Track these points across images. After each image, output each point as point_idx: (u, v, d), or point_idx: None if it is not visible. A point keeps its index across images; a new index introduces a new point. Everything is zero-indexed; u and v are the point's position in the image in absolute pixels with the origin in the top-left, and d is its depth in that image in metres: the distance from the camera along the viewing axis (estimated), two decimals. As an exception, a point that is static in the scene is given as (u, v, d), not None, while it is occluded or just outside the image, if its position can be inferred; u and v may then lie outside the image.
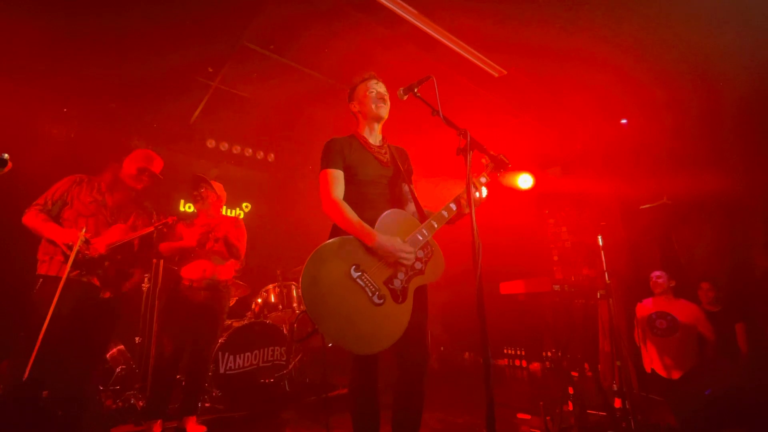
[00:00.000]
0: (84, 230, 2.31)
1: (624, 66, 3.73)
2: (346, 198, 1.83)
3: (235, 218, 3.19)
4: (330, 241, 1.68)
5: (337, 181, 1.83)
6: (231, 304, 4.07)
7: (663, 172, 4.68)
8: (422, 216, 1.88)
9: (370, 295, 1.64)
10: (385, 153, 1.97)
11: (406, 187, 1.98)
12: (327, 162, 1.86)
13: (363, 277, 1.65)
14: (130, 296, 3.74)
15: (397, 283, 1.70)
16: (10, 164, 1.50)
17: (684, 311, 3.67)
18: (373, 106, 1.94)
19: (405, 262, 1.69)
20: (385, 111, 1.97)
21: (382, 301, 1.65)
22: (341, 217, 1.74)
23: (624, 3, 3.03)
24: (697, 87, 3.96)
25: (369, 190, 1.86)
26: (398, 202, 1.91)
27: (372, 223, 1.72)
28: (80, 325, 2.28)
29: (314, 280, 1.59)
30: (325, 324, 1.55)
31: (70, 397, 2.24)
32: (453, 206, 1.83)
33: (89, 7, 3.06)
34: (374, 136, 2.00)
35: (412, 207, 1.96)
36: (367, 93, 1.97)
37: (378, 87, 1.98)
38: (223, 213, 5.47)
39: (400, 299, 1.68)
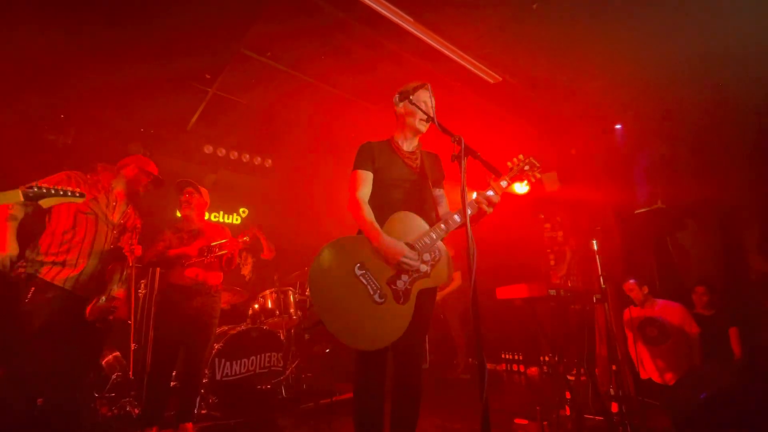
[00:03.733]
0: (10, 252, 2.11)
1: (618, 72, 3.78)
2: (372, 200, 1.88)
3: (234, 240, 3.04)
4: (344, 237, 1.75)
5: (363, 182, 1.89)
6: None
7: (657, 176, 4.73)
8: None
9: (371, 293, 1.68)
10: (416, 159, 2.02)
11: (438, 191, 2.04)
12: (357, 163, 1.94)
13: (366, 275, 1.70)
14: (130, 302, 3.74)
15: (400, 284, 1.72)
16: None
17: (669, 313, 3.70)
18: (419, 122, 1.94)
19: (406, 267, 1.71)
20: (425, 128, 1.97)
21: (383, 300, 1.68)
22: (357, 215, 1.81)
23: (619, 11, 3.07)
24: (690, 92, 4.01)
25: (394, 193, 1.90)
26: (424, 207, 1.93)
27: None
28: (72, 335, 2.23)
29: (321, 272, 1.67)
30: (327, 316, 1.62)
31: (63, 405, 2.22)
32: (468, 211, 1.78)
33: (87, 14, 3.07)
34: (409, 143, 2.04)
35: (443, 209, 2.00)
36: (420, 105, 1.92)
37: (431, 101, 1.95)
38: (220, 219, 5.51)
39: (402, 300, 1.70)
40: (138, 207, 2.71)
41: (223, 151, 5.04)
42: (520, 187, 5.31)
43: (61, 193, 1.88)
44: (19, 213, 2.17)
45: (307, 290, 4.22)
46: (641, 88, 4.00)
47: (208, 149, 4.93)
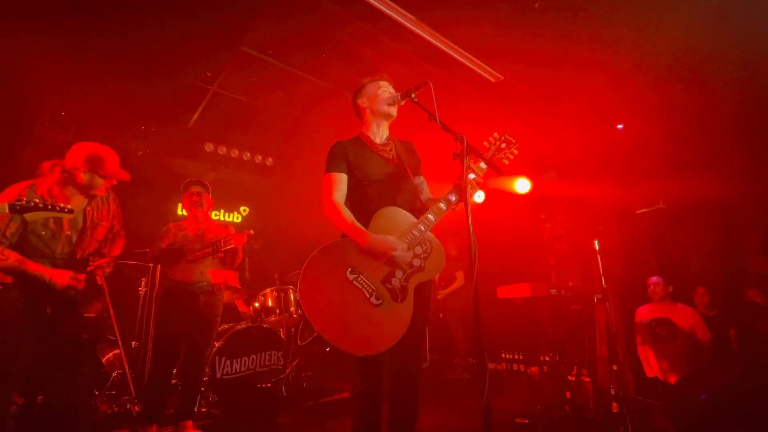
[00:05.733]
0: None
1: (620, 71, 3.77)
2: (351, 200, 1.83)
3: (241, 234, 3.05)
4: (325, 244, 1.68)
5: (338, 184, 1.83)
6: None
7: (659, 176, 4.71)
8: (431, 206, 1.87)
9: (368, 296, 1.63)
10: (391, 150, 1.97)
11: (418, 179, 2.00)
12: (329, 166, 1.86)
13: (359, 279, 1.64)
14: (126, 301, 3.75)
15: (395, 282, 1.68)
16: None
17: (683, 316, 3.69)
18: (385, 105, 1.94)
19: (398, 260, 1.67)
20: (395, 110, 1.97)
21: (380, 301, 1.64)
22: (337, 218, 1.75)
23: (620, 9, 3.06)
24: (692, 91, 4.00)
25: (373, 191, 1.85)
26: (406, 198, 1.89)
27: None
28: (47, 335, 2.05)
29: (311, 285, 1.59)
30: (325, 328, 1.55)
31: (60, 402, 2.19)
32: (452, 197, 1.80)
33: (87, 12, 3.07)
34: (380, 134, 2.00)
35: (425, 196, 1.96)
36: (379, 92, 1.97)
37: (390, 89, 2.00)
38: (221, 217, 5.51)
39: (400, 298, 1.67)
40: (125, 205, 2.42)
41: (224, 149, 5.04)
42: (522, 187, 5.32)
43: (50, 207, 1.70)
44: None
45: (291, 299, 4.19)
46: (643, 86, 3.98)
47: (208, 147, 4.93)
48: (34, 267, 1.97)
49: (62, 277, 2.02)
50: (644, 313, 3.86)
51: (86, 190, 2.16)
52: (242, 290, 4.01)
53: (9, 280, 1.99)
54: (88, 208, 2.22)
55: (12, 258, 1.94)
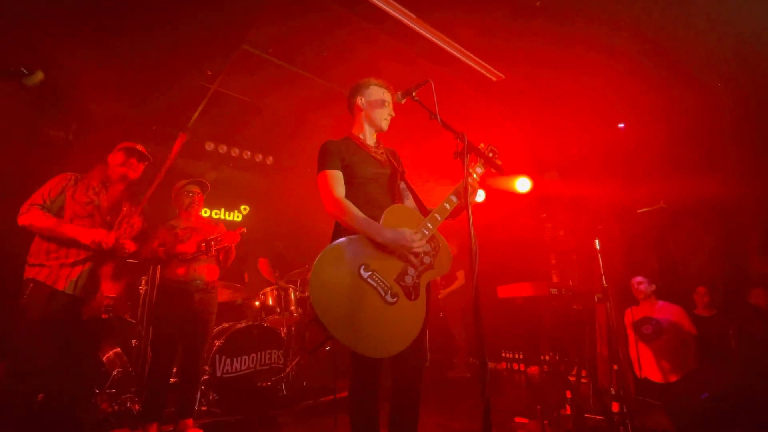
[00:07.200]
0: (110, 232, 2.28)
1: (620, 71, 3.76)
2: (348, 198, 1.81)
3: (233, 232, 3.05)
4: (335, 242, 1.65)
5: (337, 180, 1.80)
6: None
7: (660, 176, 4.71)
8: (423, 210, 1.89)
9: (383, 294, 1.59)
10: (382, 153, 1.99)
11: (402, 185, 1.99)
12: (325, 163, 1.83)
13: (374, 276, 1.60)
14: (126, 299, 3.75)
15: (408, 280, 1.66)
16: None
17: (666, 313, 3.72)
18: (383, 120, 1.96)
19: (417, 250, 1.67)
20: (387, 125, 1.99)
21: (395, 299, 1.61)
22: (347, 215, 1.71)
23: (619, 11, 3.06)
24: (692, 92, 4.00)
25: (371, 189, 1.85)
26: (398, 200, 1.92)
27: (377, 221, 1.70)
28: (68, 332, 2.20)
29: (323, 284, 1.53)
30: (339, 329, 1.49)
31: (62, 401, 2.21)
32: (454, 198, 1.82)
33: (88, 10, 3.06)
34: (370, 139, 2.00)
35: (411, 203, 1.96)
36: (382, 103, 1.96)
37: (390, 104, 1.98)
38: (221, 216, 5.51)
39: (413, 296, 1.65)
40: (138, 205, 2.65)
41: (225, 148, 5.04)
42: (522, 186, 5.32)
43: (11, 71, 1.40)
44: None
45: (306, 291, 4.20)
46: (643, 86, 3.98)
47: (209, 146, 4.92)
48: (68, 228, 2.22)
49: (93, 235, 2.24)
50: (632, 314, 3.88)
51: (125, 171, 2.50)
52: (241, 289, 4.01)
53: (41, 277, 2.17)
54: (125, 201, 2.54)
55: (50, 221, 2.21)
